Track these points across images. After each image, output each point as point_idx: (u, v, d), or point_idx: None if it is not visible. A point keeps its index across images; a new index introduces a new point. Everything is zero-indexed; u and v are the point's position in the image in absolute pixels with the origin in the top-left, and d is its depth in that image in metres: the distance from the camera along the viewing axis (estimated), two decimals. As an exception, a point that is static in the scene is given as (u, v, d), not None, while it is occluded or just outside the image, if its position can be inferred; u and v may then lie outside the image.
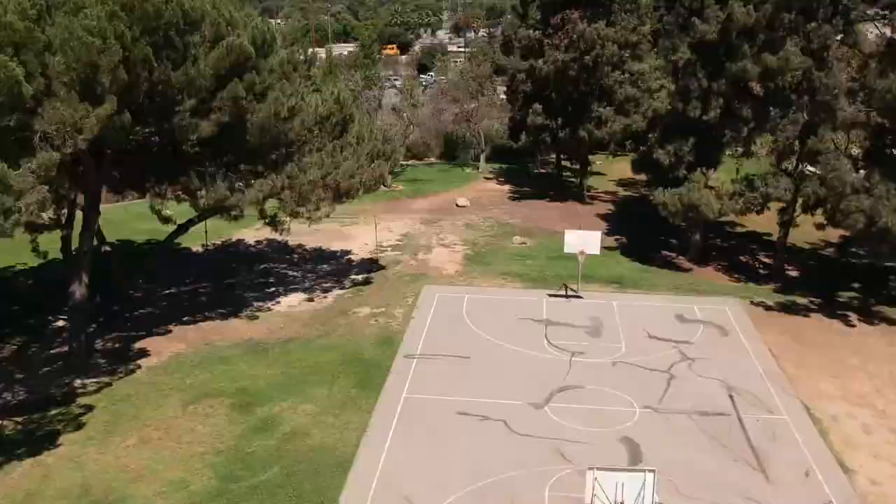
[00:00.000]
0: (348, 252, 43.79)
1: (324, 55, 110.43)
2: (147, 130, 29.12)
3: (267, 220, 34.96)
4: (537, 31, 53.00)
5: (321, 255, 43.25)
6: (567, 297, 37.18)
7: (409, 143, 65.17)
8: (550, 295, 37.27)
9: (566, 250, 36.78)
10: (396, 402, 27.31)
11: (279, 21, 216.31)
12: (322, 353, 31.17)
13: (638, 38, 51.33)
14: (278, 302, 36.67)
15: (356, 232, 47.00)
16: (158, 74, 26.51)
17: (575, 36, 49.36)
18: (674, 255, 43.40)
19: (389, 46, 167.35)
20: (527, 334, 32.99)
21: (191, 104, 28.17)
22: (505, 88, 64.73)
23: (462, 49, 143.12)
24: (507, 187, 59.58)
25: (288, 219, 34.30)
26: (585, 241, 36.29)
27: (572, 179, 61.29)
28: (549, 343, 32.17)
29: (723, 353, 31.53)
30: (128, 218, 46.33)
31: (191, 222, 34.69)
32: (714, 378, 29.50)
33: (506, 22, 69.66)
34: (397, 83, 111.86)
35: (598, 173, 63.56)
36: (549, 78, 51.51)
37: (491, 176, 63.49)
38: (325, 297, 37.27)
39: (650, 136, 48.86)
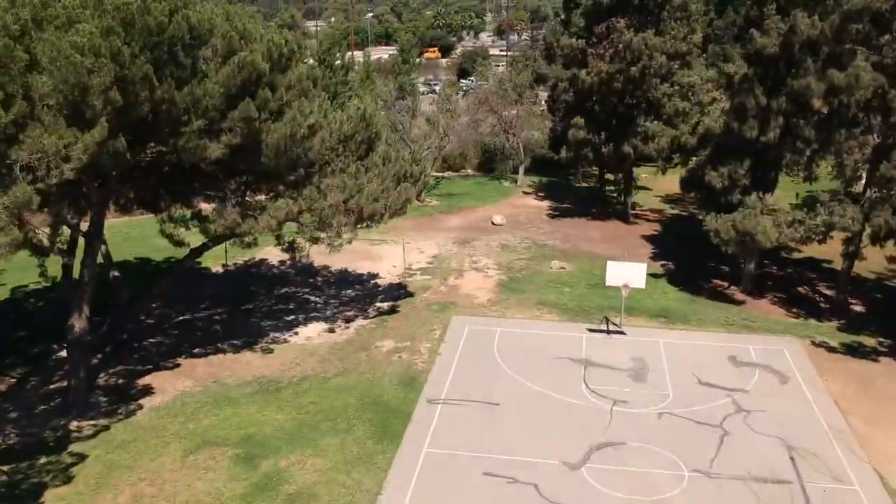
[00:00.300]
0: (375, 275, 41.23)
1: (362, 59, 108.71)
2: (155, 151, 26.97)
3: (284, 247, 32.60)
4: (581, 40, 49.91)
5: (346, 279, 40.77)
6: (609, 332, 34.19)
7: (444, 154, 62.50)
8: (590, 330, 34.29)
9: (608, 283, 33.75)
10: (416, 459, 24.60)
11: (320, 23, 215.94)
12: (338, 396, 28.61)
13: (688, 48, 48.00)
14: (296, 332, 34.22)
15: (385, 252, 44.46)
16: (161, 94, 24.20)
17: (620, 46, 46.22)
18: (725, 284, 40.06)
19: (431, 49, 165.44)
20: (563, 377, 30.07)
21: (198, 125, 25.87)
22: (547, 95, 61.93)
23: (504, 53, 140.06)
24: (546, 203, 56.57)
25: (307, 244, 31.83)
26: (630, 273, 33.23)
27: (616, 195, 58.16)
28: (587, 388, 29.22)
29: (782, 405, 28.28)
30: (148, 234, 44.31)
31: (205, 246, 32.32)
32: (773, 435, 26.31)
33: (548, 28, 66.58)
34: (436, 87, 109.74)
35: (643, 188, 60.23)
36: (592, 89, 48.43)
37: (530, 190, 60.53)
38: (347, 327, 34.72)
39: (700, 152, 45.77)
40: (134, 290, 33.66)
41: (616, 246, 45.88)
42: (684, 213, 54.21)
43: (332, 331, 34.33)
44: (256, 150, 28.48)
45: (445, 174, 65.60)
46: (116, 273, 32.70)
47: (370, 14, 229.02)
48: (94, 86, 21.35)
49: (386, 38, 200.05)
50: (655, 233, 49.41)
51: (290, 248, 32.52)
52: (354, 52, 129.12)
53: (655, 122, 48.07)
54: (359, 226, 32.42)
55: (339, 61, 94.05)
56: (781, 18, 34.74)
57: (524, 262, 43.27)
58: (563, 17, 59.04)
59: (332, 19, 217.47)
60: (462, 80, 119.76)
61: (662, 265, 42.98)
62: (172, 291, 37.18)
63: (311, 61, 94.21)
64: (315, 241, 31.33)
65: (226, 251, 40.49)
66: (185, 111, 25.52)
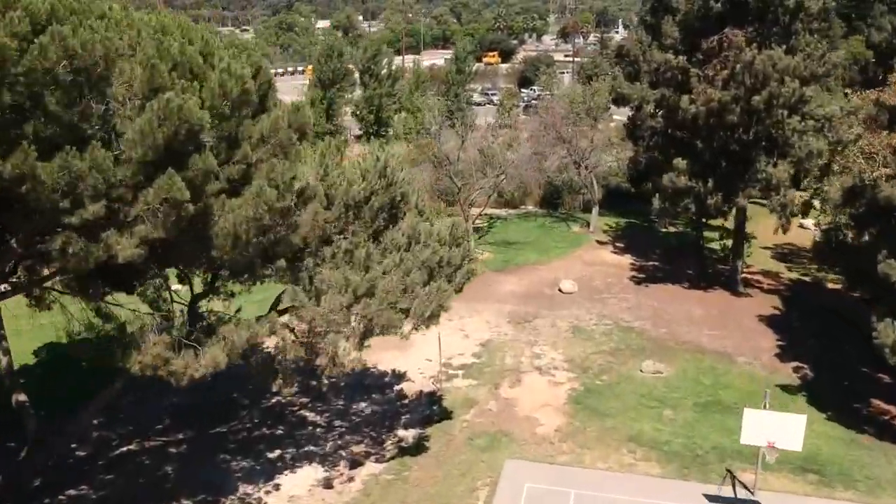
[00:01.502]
0: (401, 376, 30.61)
1: (414, 66, 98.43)
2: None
3: (255, 370, 22.16)
4: (680, 56, 38.51)
5: (361, 382, 30.12)
6: (736, 500, 22.99)
7: (500, 189, 51.30)
8: (709, 498, 23.09)
9: (744, 440, 22.38)
10: None
11: (378, 25, 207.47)
12: None
13: (826, 69, 36.35)
14: (277, 485, 23.76)
15: (417, 337, 33.57)
16: (11, 169, 14.13)
17: (738, 66, 34.77)
18: (892, 412, 28.35)
19: (490, 54, 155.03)
20: None
21: (92, 212, 15.64)
22: (627, 118, 50.31)
23: (570, 59, 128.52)
24: (626, 258, 45.14)
25: (288, 374, 21.39)
26: (778, 428, 21.82)
27: (715, 247, 46.37)
28: None
29: None
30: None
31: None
32: None
33: (631, 39, 54.98)
34: (494, 97, 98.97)
35: (749, 236, 47.82)
36: (696, 121, 36.98)
37: (606, 238, 49.08)
38: (351, 478, 24.13)
39: (844, 210, 34.09)
40: (53, 410, 23.79)
41: (727, 333, 34.56)
42: (806, 278, 42.32)
43: (328, 484, 23.76)
44: (201, 240, 18.18)
45: (502, 212, 54.63)
46: (22, 397, 22.63)
47: (424, 15, 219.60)
48: None
49: (443, 41, 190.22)
50: (776, 310, 37.61)
51: (265, 372, 22.06)
52: (405, 58, 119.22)
53: (779, 164, 36.44)
54: (366, 341, 21.93)
55: (385, 70, 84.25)
56: None
57: (604, 358, 32.09)
58: (650, 21, 47.45)
59: (382, 23, 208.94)
60: (523, 90, 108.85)
61: (795, 369, 31.38)
62: (120, 401, 27.13)
63: (355, 72, 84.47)
64: (302, 364, 20.97)
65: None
66: (64, 193, 15.30)
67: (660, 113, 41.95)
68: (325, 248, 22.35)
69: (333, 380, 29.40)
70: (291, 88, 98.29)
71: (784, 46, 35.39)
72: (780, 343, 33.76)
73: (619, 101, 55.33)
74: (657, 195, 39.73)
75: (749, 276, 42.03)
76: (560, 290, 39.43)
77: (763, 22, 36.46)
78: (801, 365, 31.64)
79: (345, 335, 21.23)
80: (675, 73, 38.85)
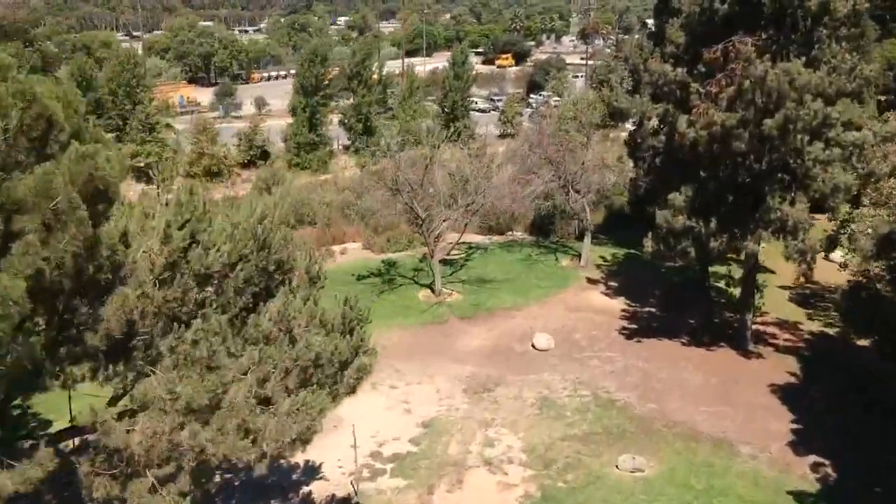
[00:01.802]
0: (315, 471, 24.52)
1: (407, 70, 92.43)
2: None
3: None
4: (680, 68, 32.13)
5: (261, 482, 24.03)
6: None
7: (481, 214, 44.80)
8: None
9: None
10: None
11: (390, 25, 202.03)
12: None
13: (857, 86, 29.80)
14: None
15: (348, 411, 27.46)
16: None
17: (747, 82, 28.37)
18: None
19: (503, 56, 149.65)
20: None
21: None
22: (628, 135, 43.96)
23: (584, 61, 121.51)
24: (619, 302, 38.66)
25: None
26: None
27: (724, 286, 39.74)
28: None
29: None
30: None
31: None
32: None
33: (630, 45, 48.49)
34: (500, 104, 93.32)
35: (765, 270, 40.91)
36: (696, 147, 30.63)
37: (598, 275, 42.52)
38: None
39: (879, 261, 27.68)
40: None
41: (730, 410, 28.11)
42: (830, 330, 35.63)
43: None
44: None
45: (485, 239, 48.37)
46: None
47: (444, 15, 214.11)
48: None
49: (458, 43, 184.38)
50: (792, 377, 30.98)
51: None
52: (405, 61, 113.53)
53: (797, 201, 29.91)
54: (206, 482, 15.92)
55: (375, 75, 78.52)
56: None
57: (574, 446, 25.75)
58: (653, 27, 41.07)
59: (395, 24, 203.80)
60: (531, 95, 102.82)
61: (814, 466, 24.81)
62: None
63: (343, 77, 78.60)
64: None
65: (69, 398, 24.25)
66: None
67: (664, 130, 35.92)
68: (164, 340, 16.39)
69: (229, 476, 23.72)
70: (284, 94, 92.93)
71: (804, 58, 28.88)
72: (795, 426, 27.21)
73: (617, 115, 49.18)
74: (649, 234, 33.28)
75: (762, 327, 35.44)
76: (533, 347, 33.17)
77: (779, 28, 29.92)
78: (820, 461, 25.07)
79: (172, 469, 15.27)
80: (674, 87, 32.54)
